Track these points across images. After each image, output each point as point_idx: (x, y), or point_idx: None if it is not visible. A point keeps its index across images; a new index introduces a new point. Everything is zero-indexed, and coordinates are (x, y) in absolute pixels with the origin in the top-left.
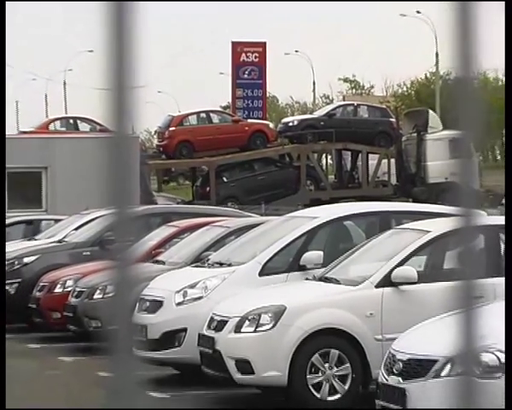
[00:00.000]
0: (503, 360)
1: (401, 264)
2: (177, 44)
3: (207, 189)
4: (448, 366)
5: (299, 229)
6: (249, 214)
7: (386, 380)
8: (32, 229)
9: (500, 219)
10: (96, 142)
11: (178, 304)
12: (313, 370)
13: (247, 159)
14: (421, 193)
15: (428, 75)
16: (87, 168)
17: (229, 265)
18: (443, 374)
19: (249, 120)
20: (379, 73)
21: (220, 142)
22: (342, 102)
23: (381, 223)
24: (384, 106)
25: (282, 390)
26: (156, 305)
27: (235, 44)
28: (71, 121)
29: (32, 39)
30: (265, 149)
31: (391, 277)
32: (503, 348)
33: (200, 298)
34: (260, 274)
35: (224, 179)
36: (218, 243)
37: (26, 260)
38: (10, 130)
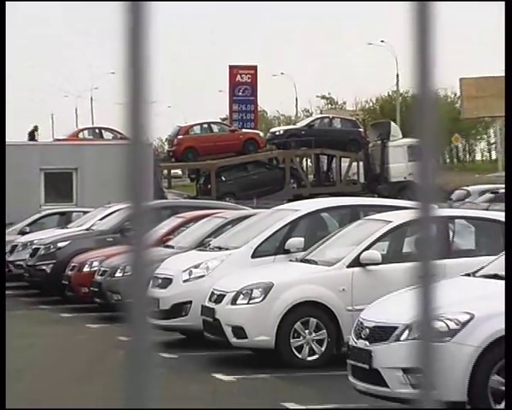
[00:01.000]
0: (451, 326)
1: (368, 248)
2: (184, 67)
3: (209, 186)
4: (406, 332)
5: (284, 219)
6: (243, 207)
7: (356, 343)
8: (65, 219)
9: (448, 211)
10: (117, 148)
11: (185, 281)
12: (296, 335)
13: (242, 162)
14: (385, 190)
15: (390, 93)
16: (110, 169)
17: (227, 249)
18: (402, 338)
19: (243, 130)
20: (350, 91)
21: (219, 148)
22: (320, 115)
23: (352, 214)
24: (354, 118)
25: (270, 352)
26: (167, 282)
27: (231, 68)
28: (97, 131)
29: (63, 62)
30: (256, 154)
31: (359, 259)
32: (451, 317)
33: (202, 276)
34: (252, 256)
35: (223, 179)
36: (217, 231)
37: (59, 244)
38: (47, 138)
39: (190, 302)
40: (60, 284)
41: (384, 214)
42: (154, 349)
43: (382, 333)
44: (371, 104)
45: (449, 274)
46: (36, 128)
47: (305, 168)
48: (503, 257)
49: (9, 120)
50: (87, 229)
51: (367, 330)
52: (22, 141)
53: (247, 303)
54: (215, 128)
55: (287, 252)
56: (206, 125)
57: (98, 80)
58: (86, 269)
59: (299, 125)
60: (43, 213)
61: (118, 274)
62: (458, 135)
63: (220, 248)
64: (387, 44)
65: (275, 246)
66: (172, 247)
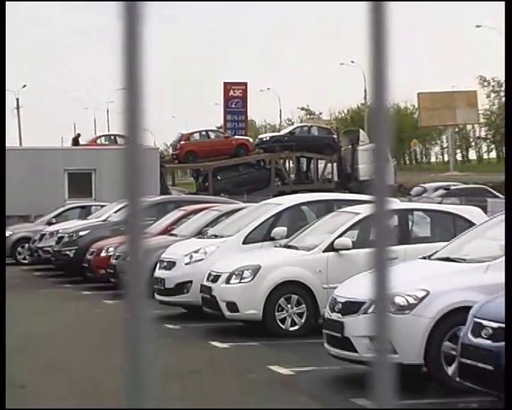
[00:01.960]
0: (410, 301)
1: (340, 236)
2: (186, 83)
3: (206, 184)
4: (373, 306)
5: (270, 212)
6: (235, 202)
7: (330, 316)
8: (85, 212)
9: (408, 205)
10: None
11: (186, 264)
12: (280, 309)
13: (234, 163)
14: (355, 187)
15: (359, 105)
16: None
17: (222, 237)
18: (369, 311)
19: (235, 137)
20: (325, 103)
21: (215, 151)
22: (300, 124)
23: (327, 207)
24: (329, 127)
25: (258, 323)
26: (171, 264)
27: (225, 84)
28: (112, 137)
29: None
30: (247, 157)
31: (333, 245)
32: (410, 293)
33: (201, 260)
34: (243, 243)
35: (218, 178)
36: (214, 222)
37: (80, 233)
38: (70, 143)
39: (191, 282)
40: (81, 267)
41: (354, 207)
42: (148, 322)
43: (352, 307)
44: (343, 115)
45: (408, 257)
46: (79, 135)
47: (287, 169)
48: (455, 242)
49: (38, 128)
50: (104, 220)
51: (340, 304)
52: (49, 146)
53: (239, 282)
54: (212, 135)
55: (272, 239)
56: (204, 133)
57: (113, 95)
58: (103, 254)
59: (283, 132)
60: (67, 206)
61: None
62: (416, 140)
63: (216, 236)
64: (356, 64)
65: (262, 234)
66: (176, 235)
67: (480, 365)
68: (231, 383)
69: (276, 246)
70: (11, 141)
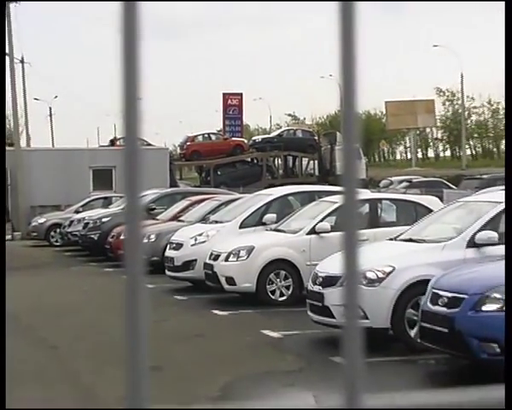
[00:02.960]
0: (379, 275)
1: (321, 221)
2: (192, 95)
3: (209, 178)
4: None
5: (261, 201)
6: (233, 193)
7: (312, 288)
8: (107, 202)
9: (377, 195)
10: (143, 151)
11: (192, 245)
12: (270, 282)
13: (232, 161)
14: (333, 180)
15: (336, 112)
16: None
17: (222, 222)
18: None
19: (233, 138)
20: (308, 110)
21: (216, 151)
22: (287, 128)
23: (310, 197)
24: (311, 130)
25: (252, 294)
26: (179, 245)
27: (224, 94)
28: None
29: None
30: (242, 155)
31: (315, 228)
32: (379, 269)
33: (204, 242)
34: (239, 228)
35: (219, 173)
36: (215, 210)
37: (104, 219)
38: (95, 145)
39: (196, 260)
40: (104, 248)
41: (332, 197)
42: (169, 294)
43: (331, 280)
44: (323, 119)
45: (378, 239)
46: (115, 138)
47: (276, 165)
48: (416, 226)
49: (67, 132)
50: (123, 208)
51: (320, 278)
52: (77, 147)
53: (236, 260)
54: (213, 137)
55: (264, 224)
56: (206, 135)
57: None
58: (122, 237)
59: (273, 134)
60: (92, 197)
61: (145, 240)
62: (384, 141)
63: (217, 222)
64: (334, 77)
65: (255, 220)
66: (183, 221)
67: (436, 328)
68: (230, 344)
69: (267, 230)
70: (45, 143)
